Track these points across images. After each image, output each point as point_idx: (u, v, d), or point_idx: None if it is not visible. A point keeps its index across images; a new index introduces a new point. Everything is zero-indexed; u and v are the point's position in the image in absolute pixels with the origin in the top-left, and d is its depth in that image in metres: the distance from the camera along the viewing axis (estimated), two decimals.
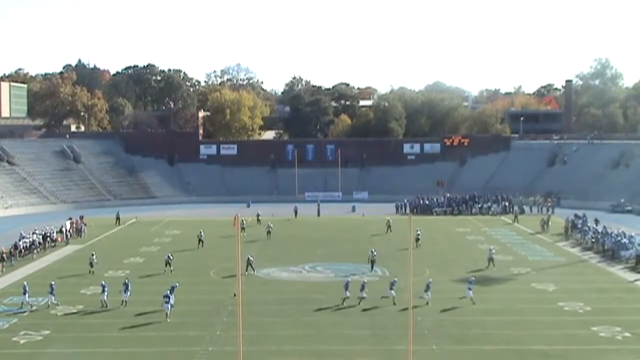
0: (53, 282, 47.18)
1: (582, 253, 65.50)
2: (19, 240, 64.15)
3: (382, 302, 46.18)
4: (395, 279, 47.29)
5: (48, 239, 69.42)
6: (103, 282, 46.74)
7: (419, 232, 68.18)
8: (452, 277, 54.24)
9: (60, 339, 38.81)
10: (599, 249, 65.09)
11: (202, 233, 69.72)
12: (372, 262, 56.72)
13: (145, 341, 38.43)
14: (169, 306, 42.69)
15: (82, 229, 77.19)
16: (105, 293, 45.33)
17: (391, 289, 46.16)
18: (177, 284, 45.90)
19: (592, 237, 68.15)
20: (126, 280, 46.87)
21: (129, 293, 45.45)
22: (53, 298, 45.65)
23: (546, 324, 41.31)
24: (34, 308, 44.71)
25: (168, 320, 41.84)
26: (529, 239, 74.32)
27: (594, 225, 72.59)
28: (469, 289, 46.38)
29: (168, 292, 43.83)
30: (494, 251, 59.26)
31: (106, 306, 44.85)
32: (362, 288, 46.50)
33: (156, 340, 38.55)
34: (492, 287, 51.37)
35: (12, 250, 61.29)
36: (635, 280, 52.93)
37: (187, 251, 66.48)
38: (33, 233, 68.74)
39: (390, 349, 35.97)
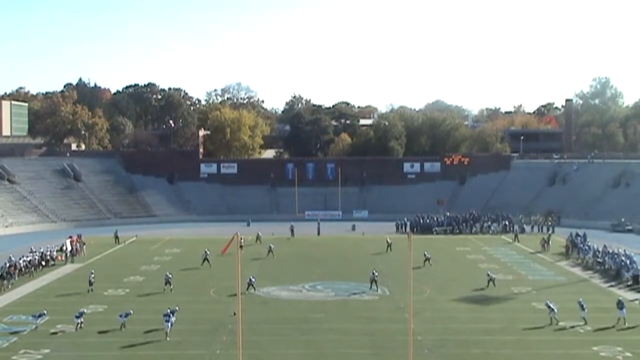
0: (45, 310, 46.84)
1: (583, 272, 65.48)
2: (7, 264, 62.16)
3: (382, 322, 46.20)
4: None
5: (48, 257, 69.50)
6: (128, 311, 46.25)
7: (428, 255, 68.19)
8: (452, 297, 54.18)
9: (61, 358, 38.77)
10: (601, 269, 65.07)
11: (208, 252, 69.19)
12: (374, 282, 56.63)
13: None
14: (169, 325, 42.69)
15: (80, 248, 77.01)
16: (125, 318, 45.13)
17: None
18: (178, 308, 45.74)
19: (593, 257, 68.15)
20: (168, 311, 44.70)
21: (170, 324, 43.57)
22: (40, 320, 45.36)
23: (547, 344, 41.25)
24: (34, 327, 44.66)
25: (167, 339, 41.81)
26: (530, 258, 74.27)
27: (595, 245, 72.51)
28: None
29: (168, 311, 43.91)
30: (492, 274, 59.13)
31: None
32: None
33: (156, 359, 38.49)
34: (493, 306, 51.31)
35: (11, 269, 61.19)
36: (635, 300, 52.88)
37: (187, 270, 66.46)
38: (30, 252, 68.61)
39: None
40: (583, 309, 45.44)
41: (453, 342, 41.49)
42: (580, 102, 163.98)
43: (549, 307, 45.76)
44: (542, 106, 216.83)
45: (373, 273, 57.40)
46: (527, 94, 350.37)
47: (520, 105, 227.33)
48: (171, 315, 43.55)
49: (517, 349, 40.07)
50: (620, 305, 46.10)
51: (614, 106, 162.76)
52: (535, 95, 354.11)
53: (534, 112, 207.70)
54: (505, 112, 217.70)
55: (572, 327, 44.48)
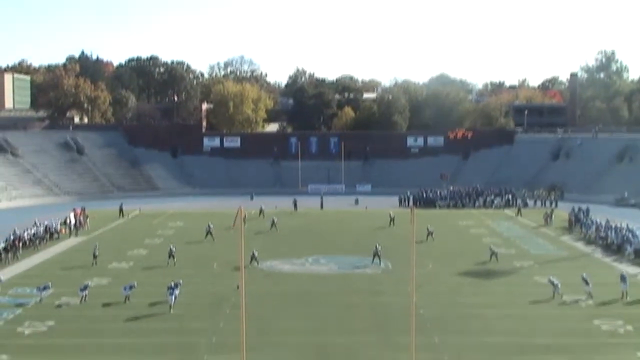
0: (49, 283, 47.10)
1: (585, 247, 65.66)
2: (11, 236, 62.35)
3: (385, 296, 46.48)
4: None
5: (52, 230, 69.87)
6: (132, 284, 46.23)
7: (431, 229, 68.27)
8: (454, 271, 54.38)
9: (65, 330, 39.07)
10: (603, 243, 65.27)
11: (211, 226, 69.44)
12: (377, 256, 56.82)
13: (149, 333, 38.65)
14: (173, 298, 43.00)
15: (84, 221, 77.26)
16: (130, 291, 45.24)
17: None
18: (181, 282, 45.92)
19: (595, 232, 68.29)
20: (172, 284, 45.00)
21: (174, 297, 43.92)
22: (45, 293, 45.66)
23: (548, 318, 41.42)
24: (38, 300, 44.95)
25: (171, 311, 42.13)
26: (532, 232, 74.45)
27: (597, 220, 72.59)
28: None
29: (172, 284, 44.22)
30: (495, 248, 59.36)
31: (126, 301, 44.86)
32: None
33: (159, 332, 38.76)
34: (495, 280, 51.53)
35: (16, 242, 61.49)
36: (638, 274, 53.05)
37: (190, 243, 66.74)
38: (34, 225, 68.90)
39: (392, 342, 36.17)
40: (587, 284, 45.59)
41: (455, 316, 41.69)
42: (585, 75, 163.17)
43: (552, 283, 45.95)
44: (547, 80, 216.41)
45: (376, 247, 57.55)
46: (531, 68, 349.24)
47: (525, 80, 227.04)
48: (175, 288, 43.77)
49: (519, 322, 40.24)
50: (623, 279, 46.34)
51: (619, 80, 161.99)
52: (539, 69, 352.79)
53: (538, 87, 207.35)
54: (510, 87, 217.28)
55: (576, 301, 44.66)
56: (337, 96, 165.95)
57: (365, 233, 72.31)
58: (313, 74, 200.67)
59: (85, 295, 44.86)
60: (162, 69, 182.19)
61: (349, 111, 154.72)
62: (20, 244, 61.96)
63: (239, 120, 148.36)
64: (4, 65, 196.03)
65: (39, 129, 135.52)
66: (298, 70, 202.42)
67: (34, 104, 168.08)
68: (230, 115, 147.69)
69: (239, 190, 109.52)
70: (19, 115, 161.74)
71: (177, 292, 43.65)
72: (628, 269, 54.82)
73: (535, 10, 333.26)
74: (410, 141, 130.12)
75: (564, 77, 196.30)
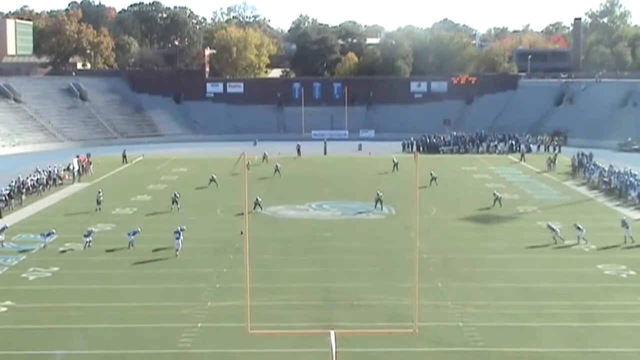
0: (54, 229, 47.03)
1: (589, 192, 65.48)
2: (15, 183, 62.09)
3: (388, 241, 46.45)
4: None
5: (55, 176, 69.79)
6: (136, 230, 46.17)
7: (434, 174, 67.90)
8: (458, 216, 54.28)
9: (69, 276, 39.09)
10: (606, 188, 65.06)
11: (214, 176, 67.93)
12: (379, 201, 56.77)
13: (153, 278, 38.66)
14: (179, 242, 43.10)
15: (87, 167, 77.15)
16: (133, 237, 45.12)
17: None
18: (185, 228, 45.63)
19: (599, 176, 68.05)
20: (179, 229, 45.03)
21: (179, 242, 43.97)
22: (49, 239, 45.63)
23: (552, 262, 41.43)
24: (43, 246, 44.93)
25: (177, 255, 42.17)
26: (535, 177, 74.27)
27: (601, 165, 72.29)
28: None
29: (179, 228, 44.30)
30: (498, 193, 59.15)
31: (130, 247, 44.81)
32: None
33: (164, 277, 38.76)
34: (498, 225, 51.40)
35: (19, 187, 61.41)
36: None
37: (194, 189, 66.59)
38: (36, 171, 68.75)
39: (396, 286, 36.12)
40: (580, 230, 45.41)
41: (458, 261, 41.66)
42: (589, 20, 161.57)
43: (551, 228, 45.81)
44: (551, 25, 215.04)
45: (378, 193, 57.47)
46: (535, 13, 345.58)
47: (528, 25, 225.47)
48: (180, 233, 43.88)
49: (522, 267, 40.21)
50: (624, 224, 46.22)
51: (623, 25, 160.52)
52: (543, 14, 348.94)
53: (542, 32, 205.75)
54: (513, 32, 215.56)
55: (577, 245, 44.61)
56: (340, 42, 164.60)
57: (368, 179, 72.06)
58: (316, 19, 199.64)
59: (90, 241, 44.83)
60: (164, 15, 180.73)
61: (352, 57, 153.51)
62: (24, 191, 61.93)
63: (242, 65, 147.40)
64: (5, 11, 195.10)
65: (41, 74, 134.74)
66: (301, 16, 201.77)
67: (37, 49, 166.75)
68: (233, 61, 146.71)
69: (242, 136, 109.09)
70: (22, 61, 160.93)
71: (179, 239, 43.60)
72: (631, 213, 54.77)
73: None
74: (413, 86, 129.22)
75: (568, 22, 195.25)
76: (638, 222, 51.73)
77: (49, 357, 28.31)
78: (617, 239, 45.41)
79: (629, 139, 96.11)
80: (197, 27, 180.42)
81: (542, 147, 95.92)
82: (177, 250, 42.90)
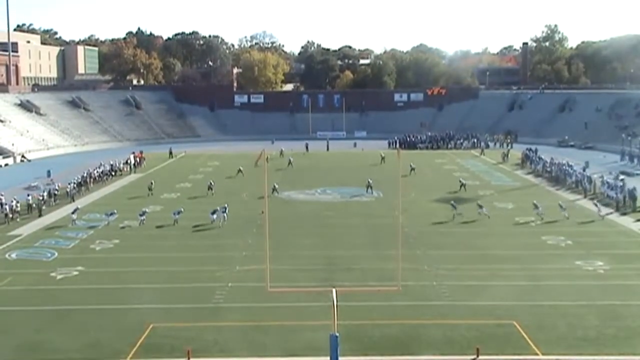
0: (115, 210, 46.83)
1: (535, 179, 65.19)
2: (85, 174, 61.84)
3: (377, 218, 46.27)
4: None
5: (116, 169, 69.76)
6: (180, 209, 46.00)
7: (413, 166, 67.78)
8: (432, 198, 54.11)
9: (128, 247, 39.05)
10: (549, 176, 64.77)
11: (241, 168, 67.66)
12: (369, 187, 56.62)
13: (193, 248, 38.55)
14: (225, 216, 44.37)
15: (141, 161, 77.09)
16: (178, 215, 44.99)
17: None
18: (227, 206, 46.20)
19: (542, 167, 67.82)
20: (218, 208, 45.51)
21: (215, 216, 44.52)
22: (111, 218, 45.51)
23: (505, 234, 41.31)
24: (107, 223, 44.87)
25: (220, 226, 43.21)
26: (493, 168, 73.92)
27: (544, 157, 72.00)
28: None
29: (219, 208, 45.21)
30: (463, 180, 59.09)
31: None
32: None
33: (202, 247, 38.69)
34: (464, 205, 51.17)
35: (88, 178, 61.41)
36: (576, 200, 52.75)
37: (225, 178, 66.42)
38: (101, 165, 68.55)
39: (383, 253, 36.00)
40: (537, 207, 45.33)
41: (433, 233, 41.59)
42: (534, 44, 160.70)
43: (535, 205, 45.59)
44: (504, 48, 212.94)
45: (368, 181, 57.30)
46: (492, 38, 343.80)
47: (487, 48, 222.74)
48: (224, 210, 45.05)
49: (484, 238, 40.08)
50: (560, 207, 46.28)
51: (561, 47, 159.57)
52: (498, 39, 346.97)
53: (497, 53, 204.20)
54: (475, 53, 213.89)
55: (527, 222, 44.48)
56: (339, 62, 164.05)
57: (361, 169, 71.78)
58: (320, 44, 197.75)
59: (143, 219, 44.76)
60: (201, 42, 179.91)
61: (348, 74, 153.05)
62: (92, 180, 61.94)
63: (262, 81, 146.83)
64: (76, 39, 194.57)
65: (105, 89, 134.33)
66: (308, 41, 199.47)
67: (101, 69, 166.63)
68: (255, 78, 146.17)
69: (262, 137, 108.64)
70: (89, 79, 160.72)
71: (224, 214, 44.72)
72: (568, 196, 54.57)
73: None
74: (397, 97, 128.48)
75: (518, 45, 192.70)
76: (574, 202, 51.56)
77: (112, 310, 28.26)
78: (557, 216, 45.24)
79: (566, 137, 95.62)
80: (227, 51, 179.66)
81: (497, 144, 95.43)
82: (220, 222, 43.68)
